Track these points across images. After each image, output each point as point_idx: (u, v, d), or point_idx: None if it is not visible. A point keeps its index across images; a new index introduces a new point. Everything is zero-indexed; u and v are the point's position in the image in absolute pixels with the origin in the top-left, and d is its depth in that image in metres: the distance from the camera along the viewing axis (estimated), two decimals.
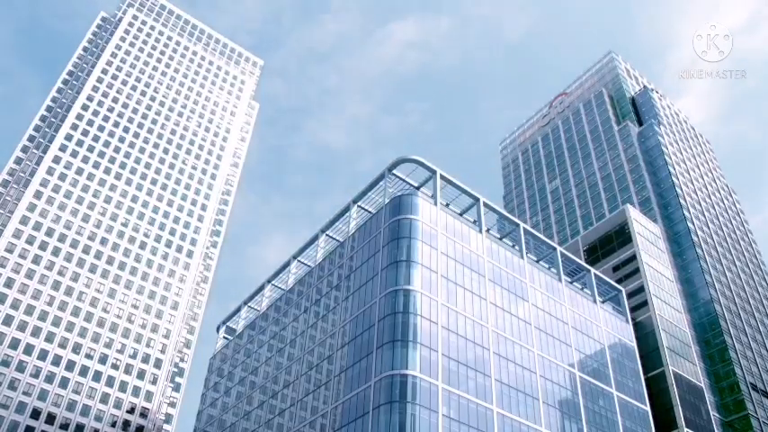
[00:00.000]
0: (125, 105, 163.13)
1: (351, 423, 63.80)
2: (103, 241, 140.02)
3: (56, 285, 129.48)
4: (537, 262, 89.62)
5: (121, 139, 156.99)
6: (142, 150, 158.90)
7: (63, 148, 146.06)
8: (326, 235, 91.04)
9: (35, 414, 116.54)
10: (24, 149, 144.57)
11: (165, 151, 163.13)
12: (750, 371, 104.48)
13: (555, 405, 73.81)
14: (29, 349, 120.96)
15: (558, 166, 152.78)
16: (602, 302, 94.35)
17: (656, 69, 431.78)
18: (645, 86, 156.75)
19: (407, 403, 59.94)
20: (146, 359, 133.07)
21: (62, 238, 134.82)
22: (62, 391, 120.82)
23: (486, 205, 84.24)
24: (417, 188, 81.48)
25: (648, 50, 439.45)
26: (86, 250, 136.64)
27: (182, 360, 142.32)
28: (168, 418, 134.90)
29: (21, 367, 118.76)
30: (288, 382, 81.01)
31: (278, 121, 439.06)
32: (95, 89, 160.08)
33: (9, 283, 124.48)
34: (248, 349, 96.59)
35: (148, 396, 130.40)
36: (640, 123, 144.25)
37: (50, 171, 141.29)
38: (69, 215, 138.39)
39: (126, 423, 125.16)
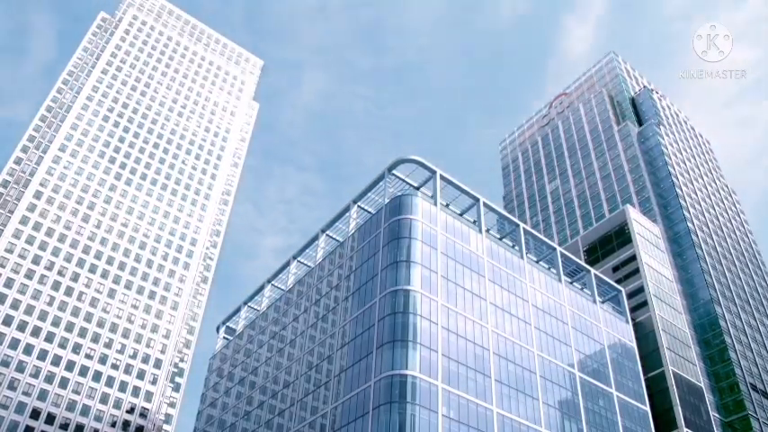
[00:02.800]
0: (125, 105, 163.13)
1: (351, 423, 63.78)
2: (103, 241, 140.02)
3: (56, 285, 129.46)
4: (537, 262, 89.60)
5: (121, 139, 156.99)
6: (142, 150, 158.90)
7: (63, 149, 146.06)
8: (326, 235, 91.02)
9: (35, 414, 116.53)
10: (24, 149, 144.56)
11: (165, 151, 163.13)
12: (750, 371, 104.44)
13: (555, 405, 73.79)
14: (29, 349, 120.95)
15: (558, 166, 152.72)
16: (602, 303, 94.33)
17: (656, 70, 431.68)
18: (645, 87, 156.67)
19: (407, 403, 59.92)
20: (146, 359, 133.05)
21: (62, 238, 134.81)
22: (62, 391, 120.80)
23: (485, 205, 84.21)
24: (417, 188, 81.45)
25: (648, 51, 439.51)
26: (86, 250, 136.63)
27: (182, 360, 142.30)
28: (168, 418, 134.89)
29: (20, 367, 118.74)
30: (288, 382, 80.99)
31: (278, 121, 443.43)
32: (95, 89, 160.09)
33: (9, 283, 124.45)
34: (248, 349, 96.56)
35: (148, 396, 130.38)
36: (640, 123, 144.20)
37: (50, 171, 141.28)
38: (69, 215, 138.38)
39: (126, 423, 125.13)
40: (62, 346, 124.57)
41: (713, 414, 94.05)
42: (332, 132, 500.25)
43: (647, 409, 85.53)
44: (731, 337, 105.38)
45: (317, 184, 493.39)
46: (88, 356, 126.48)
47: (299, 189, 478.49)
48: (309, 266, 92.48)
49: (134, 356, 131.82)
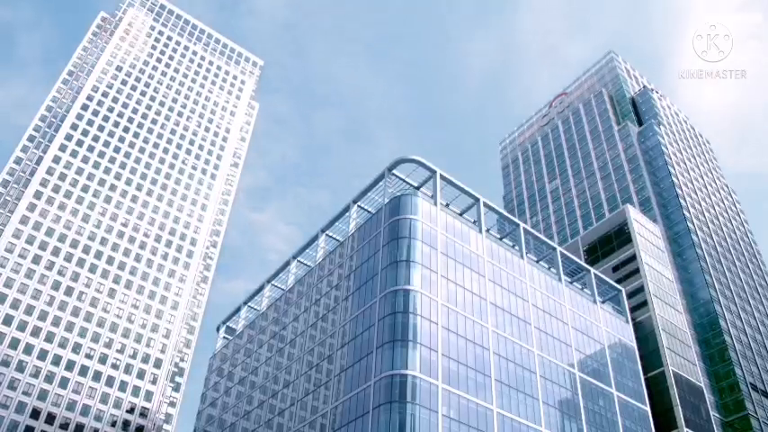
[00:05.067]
0: (125, 105, 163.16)
1: (351, 423, 63.79)
2: (103, 241, 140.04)
3: (56, 285, 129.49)
4: (537, 262, 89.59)
5: (121, 139, 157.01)
6: (142, 150, 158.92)
7: (63, 148, 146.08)
8: (326, 235, 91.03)
9: (35, 414, 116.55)
10: (24, 149, 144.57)
11: (165, 151, 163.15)
12: (750, 371, 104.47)
13: (555, 405, 73.80)
14: (28, 349, 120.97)
15: (558, 166, 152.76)
16: (602, 302, 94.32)
17: (656, 69, 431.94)
18: (645, 86, 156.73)
19: (407, 403, 59.93)
20: (146, 359, 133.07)
21: (62, 238, 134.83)
22: (62, 390, 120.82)
23: (486, 205, 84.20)
24: (417, 188, 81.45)
25: (648, 51, 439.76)
26: (86, 250, 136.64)
27: (182, 360, 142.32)
28: (168, 418, 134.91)
29: (20, 367, 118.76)
30: (288, 381, 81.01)
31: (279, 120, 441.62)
32: (95, 89, 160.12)
33: (9, 283, 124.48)
34: (248, 349, 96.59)
35: (148, 396, 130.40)
36: (640, 123, 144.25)
37: (50, 171, 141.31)
38: (69, 215, 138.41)
39: (126, 423, 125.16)
40: (62, 345, 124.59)
41: (713, 414, 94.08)
42: (301, 47, 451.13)
43: (647, 408, 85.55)
44: (731, 336, 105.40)
45: (284, 109, 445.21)
46: (88, 356, 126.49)
47: (264, 117, 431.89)
48: (309, 266, 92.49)
49: (134, 356, 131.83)
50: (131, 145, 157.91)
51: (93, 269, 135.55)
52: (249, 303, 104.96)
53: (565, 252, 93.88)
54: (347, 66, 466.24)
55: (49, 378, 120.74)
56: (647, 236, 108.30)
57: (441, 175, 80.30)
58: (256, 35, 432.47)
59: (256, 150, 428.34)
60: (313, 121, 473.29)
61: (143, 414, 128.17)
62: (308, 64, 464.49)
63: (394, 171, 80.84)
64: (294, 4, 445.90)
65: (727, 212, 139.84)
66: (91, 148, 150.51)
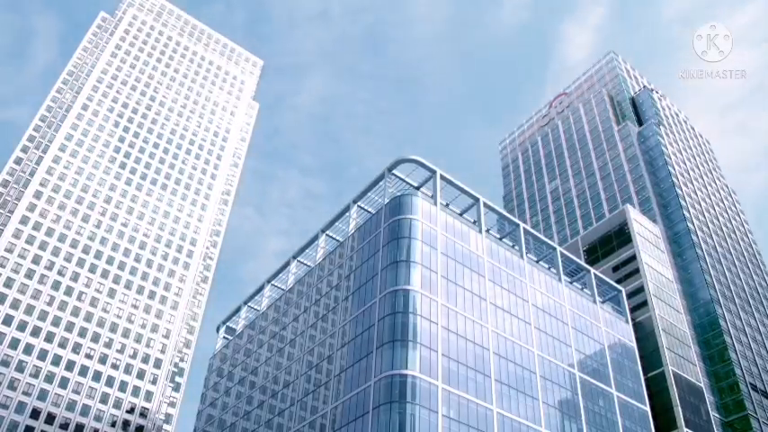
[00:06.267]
0: (125, 105, 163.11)
1: (350, 423, 63.78)
2: (103, 241, 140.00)
3: (56, 285, 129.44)
4: (537, 262, 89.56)
5: (121, 139, 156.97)
6: (142, 150, 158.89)
7: (63, 148, 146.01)
8: (326, 235, 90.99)
9: (35, 414, 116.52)
10: (24, 149, 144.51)
11: (165, 151, 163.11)
12: (750, 371, 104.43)
13: (555, 405, 73.77)
14: (28, 349, 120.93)
15: (557, 166, 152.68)
16: (602, 302, 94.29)
17: (656, 70, 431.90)
18: (645, 86, 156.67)
19: (407, 403, 59.91)
20: (146, 359, 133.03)
21: (62, 238, 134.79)
22: (62, 390, 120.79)
23: (485, 205, 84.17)
24: (417, 188, 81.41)
25: (648, 51, 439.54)
26: (86, 250, 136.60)
27: (182, 360, 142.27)
28: (168, 418, 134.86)
29: (20, 367, 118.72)
30: (288, 381, 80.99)
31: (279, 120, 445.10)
32: (95, 89, 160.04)
33: (9, 283, 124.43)
34: (248, 349, 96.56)
35: (148, 396, 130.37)
36: (640, 123, 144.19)
37: (50, 171, 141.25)
38: (69, 215, 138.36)
39: (126, 423, 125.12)
40: (62, 345, 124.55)
41: (713, 414, 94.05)
42: (334, 135, 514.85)
43: (647, 409, 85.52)
44: (731, 337, 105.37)
45: (319, 186, 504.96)
46: (88, 356, 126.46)
47: (301, 192, 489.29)
48: (309, 266, 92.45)
49: (134, 356, 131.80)
50: (131, 145, 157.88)
51: (93, 269, 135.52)
52: (249, 303, 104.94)
53: (565, 252, 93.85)
54: (373, 152, 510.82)
55: (49, 378, 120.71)
56: (647, 236, 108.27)
57: (441, 175, 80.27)
58: (295, 125, 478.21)
59: (293, 220, 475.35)
60: (345, 195, 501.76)
61: (143, 414, 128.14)
62: (341, 149, 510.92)
63: (394, 171, 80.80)
64: (328, 100, 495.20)
65: (727, 212, 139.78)
66: (91, 148, 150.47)
